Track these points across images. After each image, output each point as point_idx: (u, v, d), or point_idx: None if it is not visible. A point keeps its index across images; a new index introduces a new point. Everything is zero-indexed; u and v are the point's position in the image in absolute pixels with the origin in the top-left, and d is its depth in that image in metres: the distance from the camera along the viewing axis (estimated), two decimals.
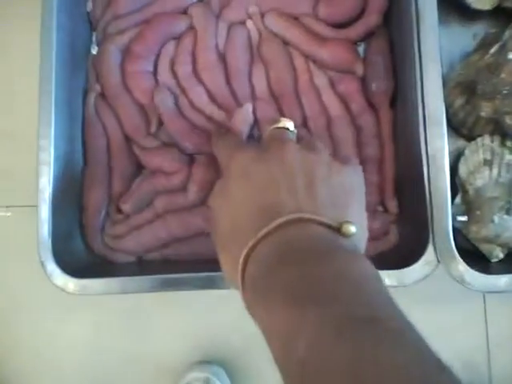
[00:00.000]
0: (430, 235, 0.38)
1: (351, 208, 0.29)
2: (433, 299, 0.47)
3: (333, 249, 0.26)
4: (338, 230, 0.27)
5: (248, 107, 0.43)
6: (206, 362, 0.53)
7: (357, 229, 0.27)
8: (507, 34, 0.39)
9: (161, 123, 0.44)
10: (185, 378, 0.50)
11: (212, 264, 0.42)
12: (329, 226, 0.27)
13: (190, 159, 0.44)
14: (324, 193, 0.29)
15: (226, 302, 0.53)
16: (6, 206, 0.55)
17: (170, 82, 0.44)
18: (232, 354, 0.53)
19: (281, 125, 0.33)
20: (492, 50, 0.40)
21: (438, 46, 0.39)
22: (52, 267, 0.39)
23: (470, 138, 0.43)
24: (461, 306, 0.48)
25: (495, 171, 0.40)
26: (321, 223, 0.27)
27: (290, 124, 0.34)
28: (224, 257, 0.31)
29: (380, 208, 0.44)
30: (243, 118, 0.43)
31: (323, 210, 0.28)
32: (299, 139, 0.34)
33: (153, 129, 0.44)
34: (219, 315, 0.53)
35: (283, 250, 0.26)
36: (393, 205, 0.43)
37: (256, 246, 0.27)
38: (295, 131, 0.34)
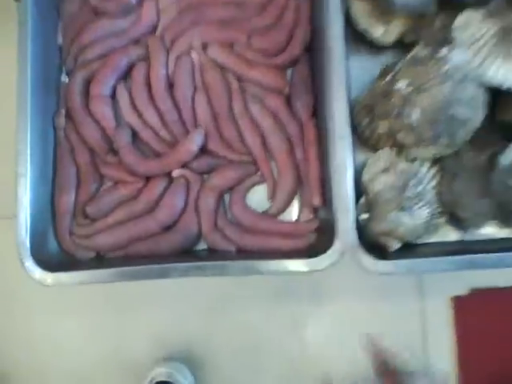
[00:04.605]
0: (336, 232, 0.46)
1: None
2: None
3: None
4: None
5: (200, 131, 0.52)
6: (169, 358, 0.58)
7: None
8: (399, 65, 0.48)
9: None
10: (150, 373, 0.57)
11: (165, 258, 0.51)
12: None
13: None
14: None
15: (188, 300, 0.57)
16: None
17: (128, 107, 0.53)
18: (195, 351, 0.57)
19: None
20: (386, 79, 0.48)
21: (343, 73, 0.48)
22: (29, 263, 0.48)
23: (376, 150, 0.51)
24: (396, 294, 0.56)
25: (391, 177, 0.49)
26: None
27: None
28: None
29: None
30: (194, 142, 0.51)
31: None
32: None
33: (115, 146, 0.52)
34: (182, 313, 0.57)
35: None
36: (317, 200, 0.51)
37: None
38: None
